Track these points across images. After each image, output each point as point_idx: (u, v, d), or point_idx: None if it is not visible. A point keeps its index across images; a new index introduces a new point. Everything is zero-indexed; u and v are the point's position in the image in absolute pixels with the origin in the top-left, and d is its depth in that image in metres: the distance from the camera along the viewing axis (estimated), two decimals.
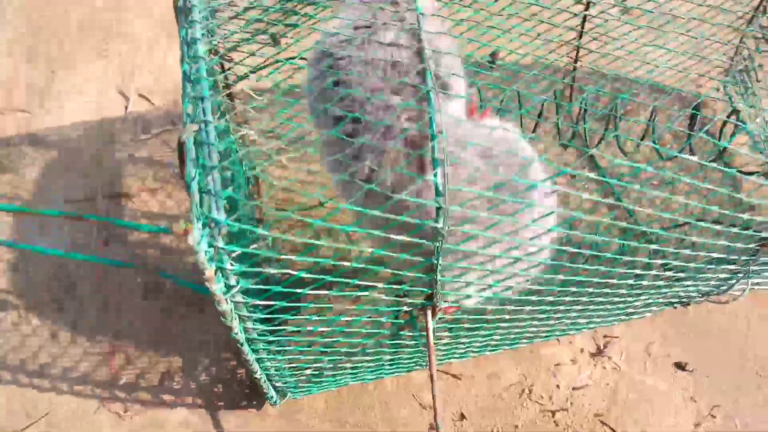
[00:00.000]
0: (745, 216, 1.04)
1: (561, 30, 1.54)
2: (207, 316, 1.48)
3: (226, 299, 0.85)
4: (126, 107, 1.89)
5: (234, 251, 0.80)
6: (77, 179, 1.72)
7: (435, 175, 0.82)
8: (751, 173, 0.97)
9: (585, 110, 0.98)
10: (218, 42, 1.09)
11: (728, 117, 0.89)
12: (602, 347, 1.40)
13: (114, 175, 1.72)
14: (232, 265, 0.81)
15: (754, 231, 1.10)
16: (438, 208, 0.83)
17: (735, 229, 1.06)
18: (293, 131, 1.55)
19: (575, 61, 1.70)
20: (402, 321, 1.04)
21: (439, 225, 0.84)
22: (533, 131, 1.15)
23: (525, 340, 1.33)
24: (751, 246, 1.11)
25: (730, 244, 1.07)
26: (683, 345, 1.42)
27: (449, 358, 1.32)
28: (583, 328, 1.36)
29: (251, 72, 1.17)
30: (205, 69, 0.90)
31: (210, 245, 0.78)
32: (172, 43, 2.02)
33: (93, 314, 1.49)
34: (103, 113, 1.88)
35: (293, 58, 1.09)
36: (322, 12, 1.35)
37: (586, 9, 1.56)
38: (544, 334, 1.33)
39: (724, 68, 1.83)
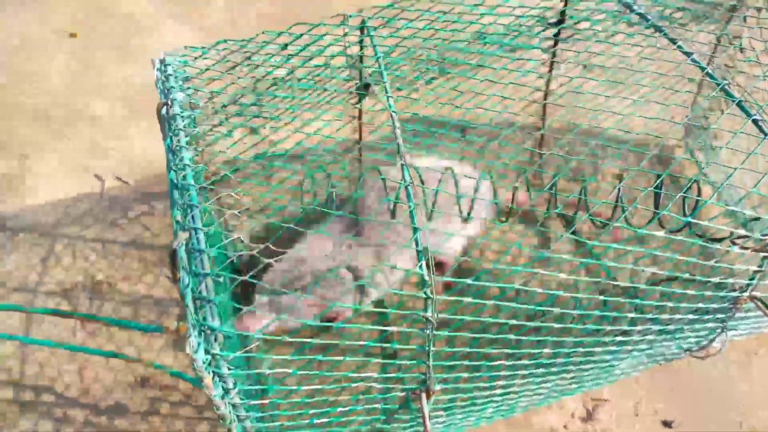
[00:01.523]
0: (717, 279, 1.09)
1: (528, 91, 1.64)
2: (195, 407, 1.46)
3: (225, 402, 0.85)
4: (101, 191, 1.91)
5: (230, 356, 0.82)
6: (54, 268, 1.71)
7: (420, 267, 0.86)
8: (719, 239, 1.02)
9: (555, 195, 1.02)
10: (201, 142, 1.13)
11: (687, 190, 0.95)
12: (592, 410, 1.42)
13: (93, 261, 1.72)
14: (229, 369, 0.83)
15: (728, 291, 1.15)
16: (426, 299, 0.86)
17: (708, 292, 1.11)
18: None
19: (543, 119, 1.78)
20: (397, 406, 1.05)
21: (429, 314, 0.87)
22: (506, 219, 1.20)
23: (519, 409, 1.34)
24: (725, 305, 1.16)
25: (702, 305, 1.12)
26: (668, 399, 1.45)
27: None
28: (575, 392, 1.38)
29: (233, 171, 1.20)
30: (192, 175, 0.93)
31: (207, 352, 0.80)
32: (137, 120, 2.06)
33: (79, 409, 1.46)
34: (76, 197, 1.89)
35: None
36: (293, 102, 1.41)
37: (550, 70, 1.65)
38: (537, 401, 1.35)
39: (684, 124, 1.93)
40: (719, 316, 1.19)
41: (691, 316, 1.13)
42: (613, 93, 1.79)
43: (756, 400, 1.44)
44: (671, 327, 1.18)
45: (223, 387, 0.84)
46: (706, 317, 1.18)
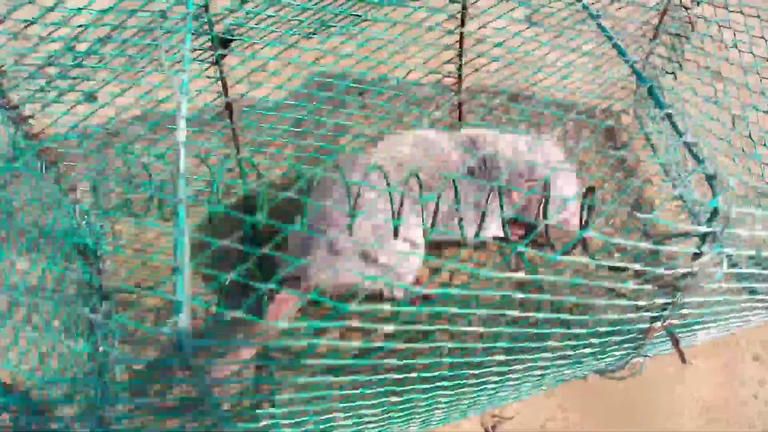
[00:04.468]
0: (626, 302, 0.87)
1: (441, 49, 1.38)
2: None
3: None
4: None
5: None
6: None
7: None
8: (619, 269, 0.80)
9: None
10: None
11: (583, 210, 0.72)
12: (490, 430, 1.23)
13: None
14: None
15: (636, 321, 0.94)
16: None
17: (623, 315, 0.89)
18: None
19: (459, 79, 1.50)
20: None
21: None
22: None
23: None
24: (633, 336, 0.95)
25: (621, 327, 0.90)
26: (583, 413, 1.26)
27: None
28: (467, 414, 1.19)
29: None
30: None
31: None
32: None
33: None
34: None
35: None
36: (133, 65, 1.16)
37: (462, 23, 1.37)
38: (436, 421, 1.17)
39: (632, 89, 1.67)
40: (627, 345, 0.98)
41: (593, 342, 0.92)
42: (551, 53, 1.53)
43: (682, 415, 1.25)
44: (571, 353, 0.97)
45: None
46: (612, 347, 0.97)
